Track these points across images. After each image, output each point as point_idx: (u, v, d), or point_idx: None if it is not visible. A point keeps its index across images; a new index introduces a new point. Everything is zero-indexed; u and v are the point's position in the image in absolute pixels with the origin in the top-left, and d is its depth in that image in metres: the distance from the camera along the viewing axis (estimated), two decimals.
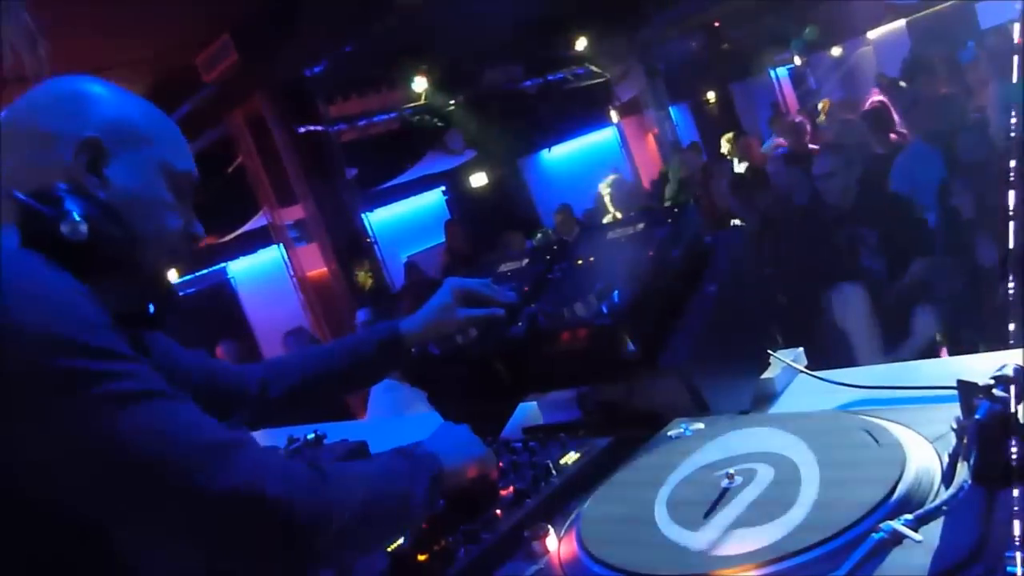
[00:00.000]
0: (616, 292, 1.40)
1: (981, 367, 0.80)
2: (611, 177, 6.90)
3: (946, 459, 0.82)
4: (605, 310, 1.38)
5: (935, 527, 0.70)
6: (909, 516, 0.68)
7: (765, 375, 1.57)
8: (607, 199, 6.51)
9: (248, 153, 8.77)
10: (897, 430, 0.91)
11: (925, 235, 3.89)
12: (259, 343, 9.92)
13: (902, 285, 3.63)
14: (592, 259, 1.54)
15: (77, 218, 1.01)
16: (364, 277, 7.87)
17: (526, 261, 1.74)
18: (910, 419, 0.94)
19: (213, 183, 8.89)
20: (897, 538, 0.67)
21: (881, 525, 0.68)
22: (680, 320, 1.42)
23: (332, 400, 1.87)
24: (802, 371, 1.56)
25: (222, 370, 1.55)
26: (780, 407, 1.50)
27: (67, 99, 1.11)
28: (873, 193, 4.17)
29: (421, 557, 1.14)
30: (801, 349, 1.67)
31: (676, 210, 1.54)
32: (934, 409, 1.14)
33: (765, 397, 1.54)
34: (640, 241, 1.50)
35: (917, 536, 0.65)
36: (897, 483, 0.79)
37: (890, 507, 0.76)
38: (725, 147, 7.78)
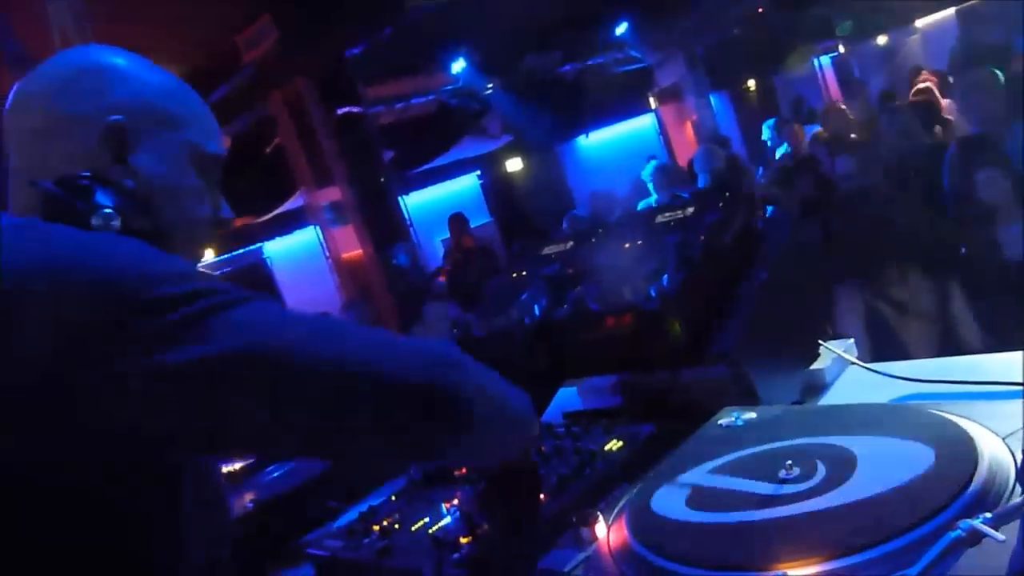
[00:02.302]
0: (665, 277, 1.37)
1: None
2: (652, 164, 6.81)
3: (1019, 456, 0.79)
4: (653, 295, 1.35)
5: (1012, 526, 0.67)
6: (988, 515, 0.65)
7: (815, 366, 1.53)
8: (650, 186, 6.45)
9: (286, 134, 8.81)
10: (966, 425, 0.87)
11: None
12: None
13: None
14: (640, 243, 1.51)
15: (109, 211, 0.95)
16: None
17: (571, 244, 1.71)
18: (977, 414, 0.90)
19: (251, 163, 8.96)
20: (975, 537, 0.64)
21: (959, 523, 0.65)
22: (729, 307, 1.39)
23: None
24: (854, 362, 1.52)
25: None
26: (830, 399, 1.46)
27: (88, 77, 1.03)
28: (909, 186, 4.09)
29: (464, 540, 1.13)
30: (852, 340, 1.62)
31: (728, 194, 1.50)
32: (999, 404, 1.10)
33: (815, 388, 1.50)
34: (690, 225, 1.47)
35: (1000, 536, 0.62)
36: (970, 480, 0.75)
37: (963, 504, 0.73)
38: (766, 133, 7.64)
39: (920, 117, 4.63)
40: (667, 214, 1.55)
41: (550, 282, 1.59)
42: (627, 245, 1.52)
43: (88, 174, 0.97)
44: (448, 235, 9.31)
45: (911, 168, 3.97)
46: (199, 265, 1.16)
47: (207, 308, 0.83)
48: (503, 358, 1.63)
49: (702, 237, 1.41)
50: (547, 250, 1.75)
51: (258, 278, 9.99)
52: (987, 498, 0.73)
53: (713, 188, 4.89)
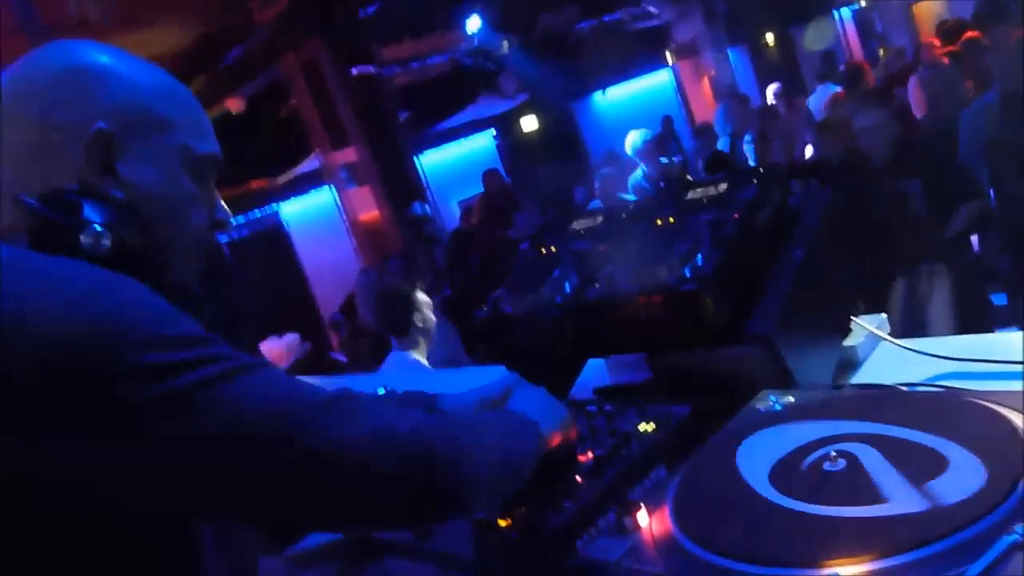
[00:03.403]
0: (699, 256, 1.36)
1: None
2: (636, 133, 6.55)
3: None
4: (688, 274, 1.34)
5: None
6: None
7: (848, 342, 1.52)
8: (637, 158, 6.27)
9: (301, 95, 8.78)
10: (1013, 416, 0.86)
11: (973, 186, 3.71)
12: (312, 289, 10.00)
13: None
14: (672, 220, 1.50)
15: (99, 228, 0.88)
16: None
17: (600, 219, 1.70)
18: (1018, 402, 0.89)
19: (266, 125, 8.94)
20: None
21: (1016, 527, 0.65)
22: (765, 286, 1.38)
23: None
24: (886, 339, 1.51)
25: None
26: (863, 377, 1.46)
27: (70, 80, 0.94)
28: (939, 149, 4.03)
29: (503, 523, 1.14)
30: (884, 316, 1.62)
31: (762, 170, 1.48)
32: None
33: (848, 366, 1.49)
34: (723, 202, 1.45)
35: None
36: (1019, 478, 0.75)
37: (1012, 504, 0.73)
38: (771, 99, 7.47)
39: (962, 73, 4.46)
40: (699, 190, 1.53)
41: (581, 259, 1.59)
42: (659, 222, 1.51)
43: (74, 187, 0.90)
44: (465, 197, 9.29)
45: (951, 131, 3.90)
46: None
47: (196, 383, 0.79)
48: (533, 336, 1.64)
49: (736, 215, 1.40)
50: (576, 225, 1.73)
51: (275, 240, 10.01)
52: None
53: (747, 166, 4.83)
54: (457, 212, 9.63)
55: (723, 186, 1.51)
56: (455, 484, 0.91)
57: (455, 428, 0.96)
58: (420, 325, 3.56)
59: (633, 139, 6.25)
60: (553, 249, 1.69)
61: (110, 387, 0.76)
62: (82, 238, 0.87)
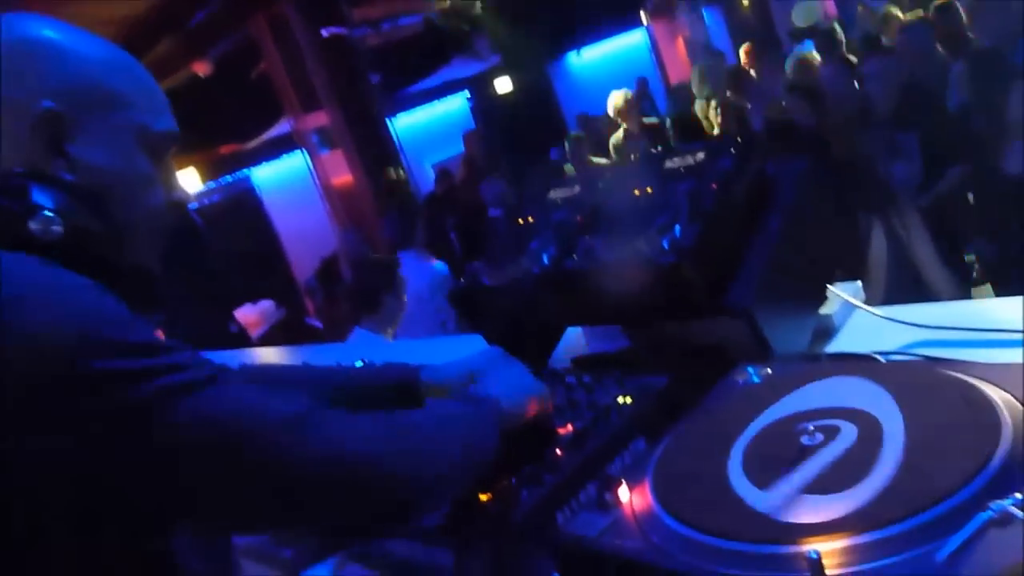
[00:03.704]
0: (677, 228, 1.36)
1: None
2: (617, 94, 6.55)
3: None
4: (667, 246, 1.34)
5: None
6: (1019, 495, 0.66)
7: (823, 311, 1.53)
8: (618, 117, 6.26)
9: (271, 58, 8.62)
10: (989, 390, 0.88)
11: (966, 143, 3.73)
12: (286, 254, 9.93)
13: (937, 196, 3.52)
14: (650, 190, 1.49)
15: (49, 213, 0.85)
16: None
17: (578, 188, 1.69)
18: (1000, 377, 0.91)
19: (235, 89, 8.78)
20: (1006, 518, 0.65)
21: (991, 504, 0.66)
22: (742, 256, 1.38)
23: None
24: (861, 307, 1.53)
25: None
26: (838, 345, 1.47)
27: (14, 56, 0.89)
28: (922, 100, 4.04)
29: (483, 497, 1.15)
30: (859, 283, 1.63)
31: (740, 139, 1.48)
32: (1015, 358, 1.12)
33: (823, 334, 1.51)
34: (701, 172, 1.45)
35: None
36: (994, 453, 0.76)
37: (987, 478, 0.74)
38: (743, 58, 7.42)
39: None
40: (676, 160, 1.53)
41: (558, 229, 1.58)
42: (637, 192, 1.50)
43: (21, 171, 0.87)
44: (439, 160, 9.22)
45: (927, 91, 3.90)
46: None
47: (156, 392, 0.77)
48: (512, 307, 1.64)
49: (713, 186, 1.39)
50: (553, 194, 1.72)
51: (247, 206, 9.90)
52: (1011, 472, 0.74)
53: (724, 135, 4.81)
54: (431, 175, 9.57)
55: (700, 155, 1.50)
56: (412, 497, 0.92)
57: (415, 437, 0.95)
58: (392, 306, 3.61)
59: (615, 99, 6.27)
60: (530, 219, 1.68)
61: (67, 395, 0.75)
62: (31, 224, 0.84)
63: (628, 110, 6.15)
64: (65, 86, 0.91)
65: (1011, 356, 1.19)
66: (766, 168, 1.49)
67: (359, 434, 0.91)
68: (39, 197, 0.85)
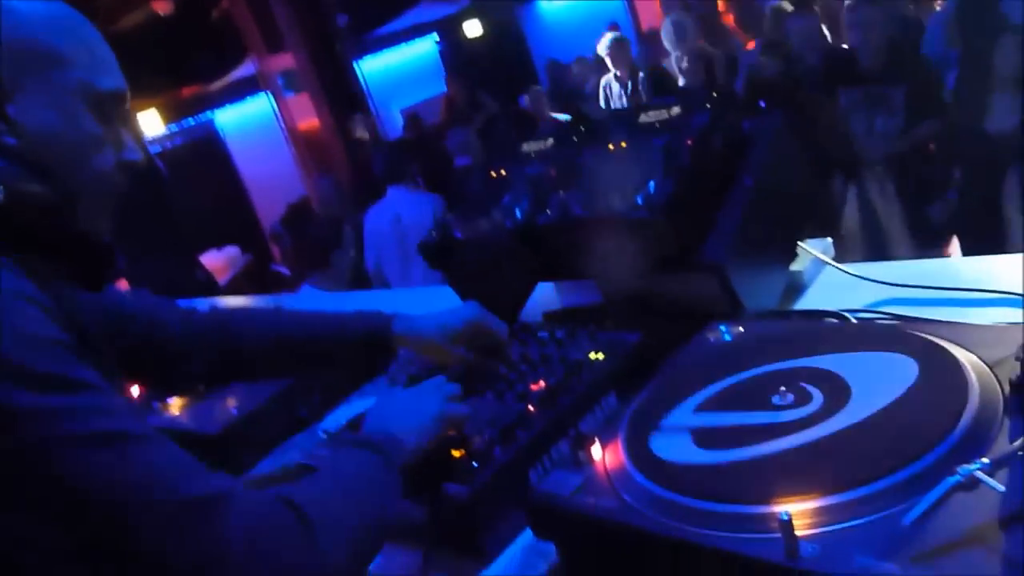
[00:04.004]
0: (651, 184, 1.35)
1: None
2: (609, 36, 6.56)
3: (1007, 388, 0.81)
4: (641, 202, 1.33)
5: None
6: (986, 460, 0.68)
7: (794, 267, 1.54)
8: (608, 61, 6.24)
9: None
10: (957, 352, 0.89)
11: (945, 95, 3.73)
12: (253, 201, 9.76)
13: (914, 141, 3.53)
14: (624, 145, 1.48)
15: None
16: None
17: (551, 142, 1.67)
18: (967, 339, 0.92)
19: (197, 28, 8.53)
20: (973, 483, 0.66)
21: (958, 469, 0.67)
22: (716, 213, 1.38)
23: (283, 373, 1.57)
24: (830, 263, 1.54)
25: (168, 321, 1.32)
26: (808, 302, 1.48)
27: None
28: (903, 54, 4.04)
29: (456, 453, 1.15)
30: (830, 240, 1.64)
31: (715, 95, 1.46)
32: (982, 317, 1.14)
33: (793, 290, 1.52)
34: (676, 127, 1.44)
35: (1000, 486, 0.65)
36: (960, 414, 0.78)
37: (954, 440, 0.75)
38: (720, 4, 7.35)
39: None
40: (651, 114, 1.51)
41: (531, 183, 1.57)
42: (611, 147, 1.49)
43: None
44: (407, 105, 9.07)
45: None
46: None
47: (46, 438, 0.71)
48: (484, 261, 1.63)
49: (689, 142, 1.38)
50: (526, 147, 1.70)
51: (210, 150, 9.68)
52: (977, 433, 0.76)
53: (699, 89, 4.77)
54: (399, 120, 9.42)
55: (676, 110, 1.49)
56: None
57: (314, 512, 0.84)
58: (341, 263, 3.65)
59: (605, 40, 6.28)
60: (503, 172, 1.66)
61: None
62: None
63: (619, 53, 6.12)
64: (5, 46, 0.85)
65: (977, 315, 1.21)
66: (741, 124, 1.48)
67: (266, 531, 0.80)
68: None
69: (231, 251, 7.84)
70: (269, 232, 7.70)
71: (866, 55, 3.61)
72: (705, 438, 0.89)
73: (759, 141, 1.45)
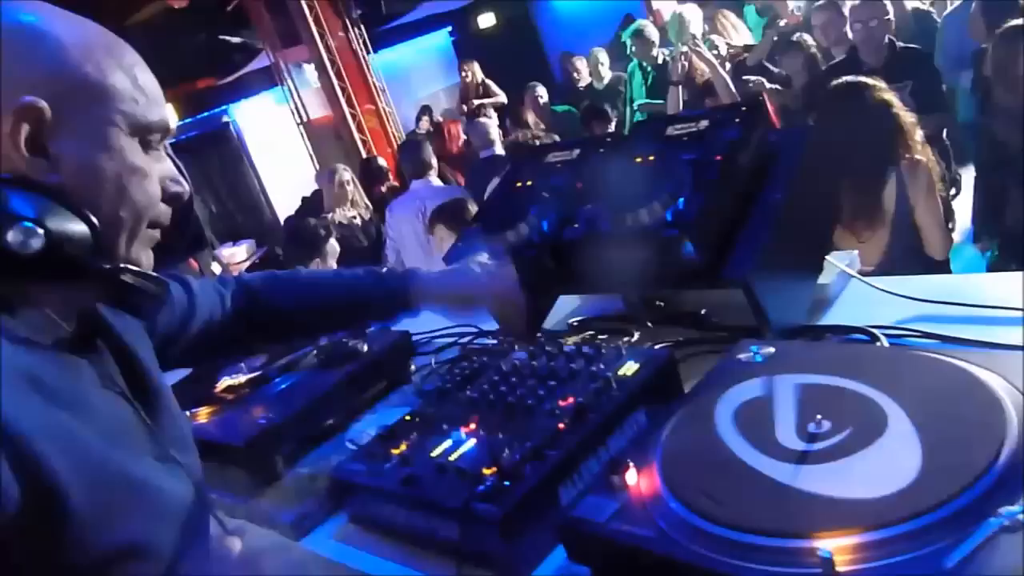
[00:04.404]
0: (681, 200, 1.35)
1: None
2: (635, 24, 6.58)
3: None
4: (670, 219, 1.33)
5: None
6: None
7: (820, 280, 1.54)
8: (632, 50, 6.25)
9: None
10: (992, 381, 0.89)
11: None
12: (268, 196, 9.78)
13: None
14: (651, 157, 1.48)
15: (29, 224, 0.77)
16: None
17: (577, 152, 1.67)
18: (1002, 367, 0.92)
19: (212, 22, 8.54)
20: (1016, 525, 0.66)
21: (1002, 511, 0.67)
22: (743, 227, 1.38)
23: (309, 336, 1.67)
24: (856, 277, 1.54)
25: (209, 304, 1.39)
26: (834, 317, 1.48)
27: None
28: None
29: (487, 471, 1.15)
30: (856, 252, 1.64)
31: (744, 108, 1.46)
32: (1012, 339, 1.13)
33: (820, 304, 1.52)
34: (705, 141, 1.44)
35: None
36: (1000, 450, 0.78)
37: (993, 477, 0.75)
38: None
39: None
40: (679, 126, 1.51)
41: (558, 195, 1.57)
42: (639, 160, 1.49)
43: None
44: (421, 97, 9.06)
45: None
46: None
47: None
48: None
49: (718, 157, 1.38)
50: (551, 157, 1.71)
51: (225, 142, 9.71)
52: (1015, 468, 0.76)
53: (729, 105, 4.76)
54: (413, 113, 9.42)
55: (704, 123, 1.48)
56: None
57: None
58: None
59: (634, 28, 6.37)
60: (529, 183, 1.66)
61: None
62: (8, 236, 0.76)
63: (644, 41, 6.13)
64: (45, 77, 0.82)
65: (1007, 334, 1.21)
66: (769, 137, 1.47)
67: None
68: (17, 205, 0.77)
69: (246, 244, 7.89)
70: (284, 224, 7.73)
71: (870, 54, 3.59)
72: (740, 467, 0.89)
73: (786, 154, 1.45)
